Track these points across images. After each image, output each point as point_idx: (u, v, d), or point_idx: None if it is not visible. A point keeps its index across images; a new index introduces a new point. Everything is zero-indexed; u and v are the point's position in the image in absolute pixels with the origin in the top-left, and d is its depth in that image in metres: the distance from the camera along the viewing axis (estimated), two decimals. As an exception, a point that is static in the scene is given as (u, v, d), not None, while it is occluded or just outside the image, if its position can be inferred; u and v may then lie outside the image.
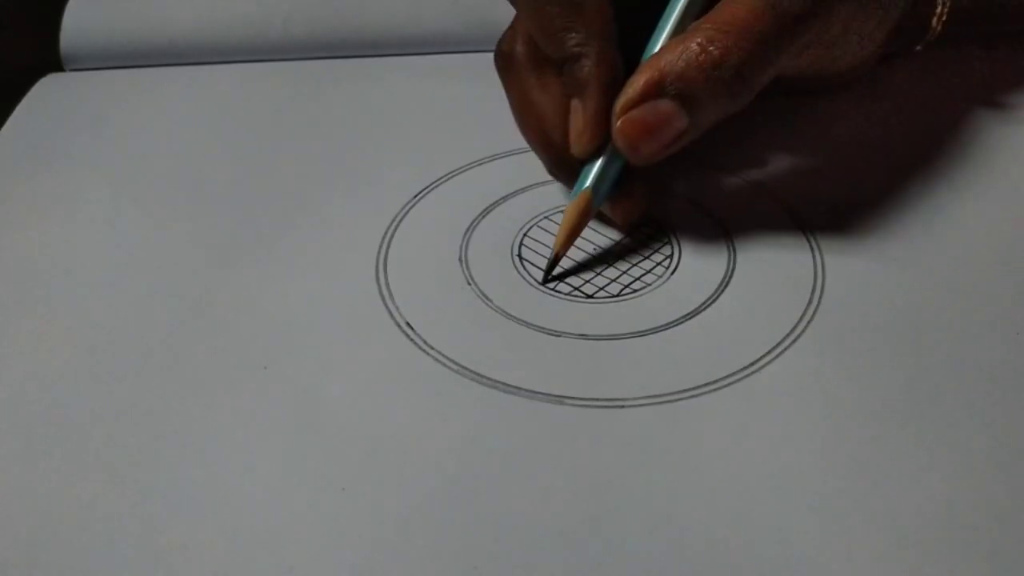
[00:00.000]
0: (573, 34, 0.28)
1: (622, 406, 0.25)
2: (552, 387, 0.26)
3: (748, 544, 0.22)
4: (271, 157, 0.35)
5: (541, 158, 0.32)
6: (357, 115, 0.38)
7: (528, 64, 0.31)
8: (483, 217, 0.32)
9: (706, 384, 0.26)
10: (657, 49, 0.28)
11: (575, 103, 0.29)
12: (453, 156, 0.35)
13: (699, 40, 0.27)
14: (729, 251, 0.31)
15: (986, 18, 0.39)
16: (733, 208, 0.32)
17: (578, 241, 0.31)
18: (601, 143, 0.29)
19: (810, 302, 0.28)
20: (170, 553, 0.22)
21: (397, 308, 0.29)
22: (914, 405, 0.25)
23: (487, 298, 0.29)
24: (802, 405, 0.25)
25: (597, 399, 0.26)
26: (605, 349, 0.27)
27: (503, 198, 0.33)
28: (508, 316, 0.28)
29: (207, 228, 0.32)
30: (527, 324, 0.28)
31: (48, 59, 0.41)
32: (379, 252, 0.31)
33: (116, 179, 0.35)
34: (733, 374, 0.26)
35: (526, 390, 0.26)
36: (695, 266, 0.30)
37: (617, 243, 0.31)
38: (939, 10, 0.35)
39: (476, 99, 0.38)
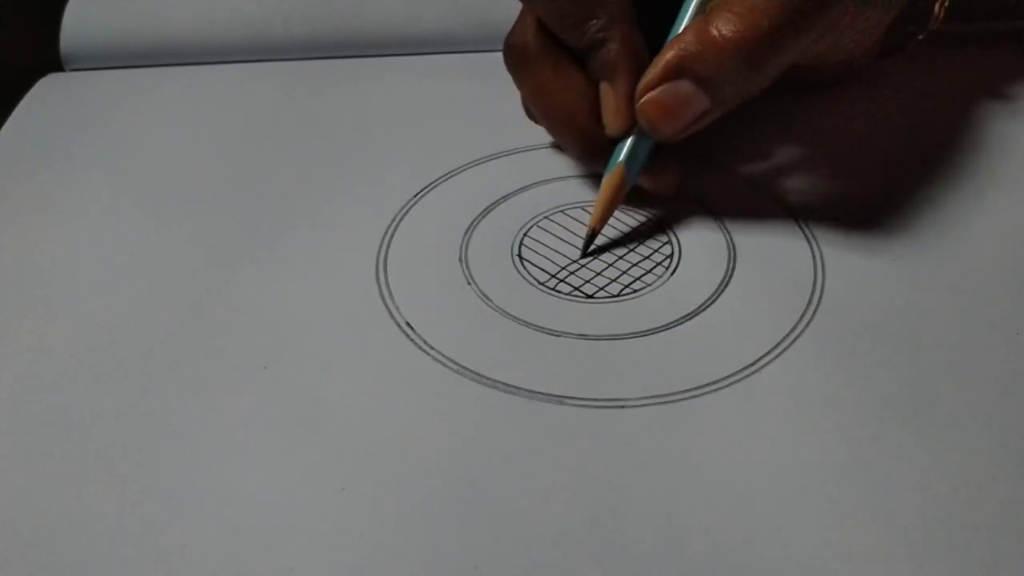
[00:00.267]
0: (594, 21, 0.29)
1: (622, 406, 0.25)
2: (552, 387, 0.26)
3: (748, 544, 0.22)
4: (271, 157, 0.35)
5: (568, 145, 0.32)
6: (357, 115, 0.38)
7: (544, 55, 0.31)
8: (483, 217, 0.32)
9: (706, 384, 0.26)
10: (679, 31, 0.29)
11: (604, 86, 0.30)
12: (453, 156, 0.35)
13: (717, 23, 0.27)
14: (729, 251, 0.31)
15: (987, 11, 0.39)
16: (733, 208, 0.32)
17: (578, 241, 0.31)
18: (634, 121, 0.30)
19: (810, 302, 0.28)
20: (170, 553, 0.22)
21: (397, 308, 0.29)
22: (914, 405, 0.25)
23: (487, 298, 0.29)
24: (802, 405, 0.25)
25: (597, 399, 0.26)
26: (605, 349, 0.27)
27: (503, 198, 0.33)
28: (508, 316, 0.28)
29: (207, 228, 0.32)
30: (527, 324, 0.28)
31: (48, 59, 0.41)
32: (379, 252, 0.31)
33: (116, 179, 0.35)
34: (733, 374, 0.26)
35: (526, 390, 0.26)
36: (695, 266, 0.30)
37: (617, 243, 0.31)
38: None
39: (476, 99, 0.38)
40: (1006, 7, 0.40)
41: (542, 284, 0.30)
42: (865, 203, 0.32)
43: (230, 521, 0.23)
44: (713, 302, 0.29)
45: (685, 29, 0.28)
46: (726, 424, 0.25)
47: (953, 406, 0.25)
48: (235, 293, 0.29)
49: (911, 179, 0.33)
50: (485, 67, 0.40)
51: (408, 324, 0.28)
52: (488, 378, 0.26)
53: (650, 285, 0.29)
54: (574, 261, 0.30)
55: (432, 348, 0.27)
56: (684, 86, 0.28)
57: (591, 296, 0.29)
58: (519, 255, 0.31)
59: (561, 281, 0.30)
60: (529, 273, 0.30)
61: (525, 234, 0.32)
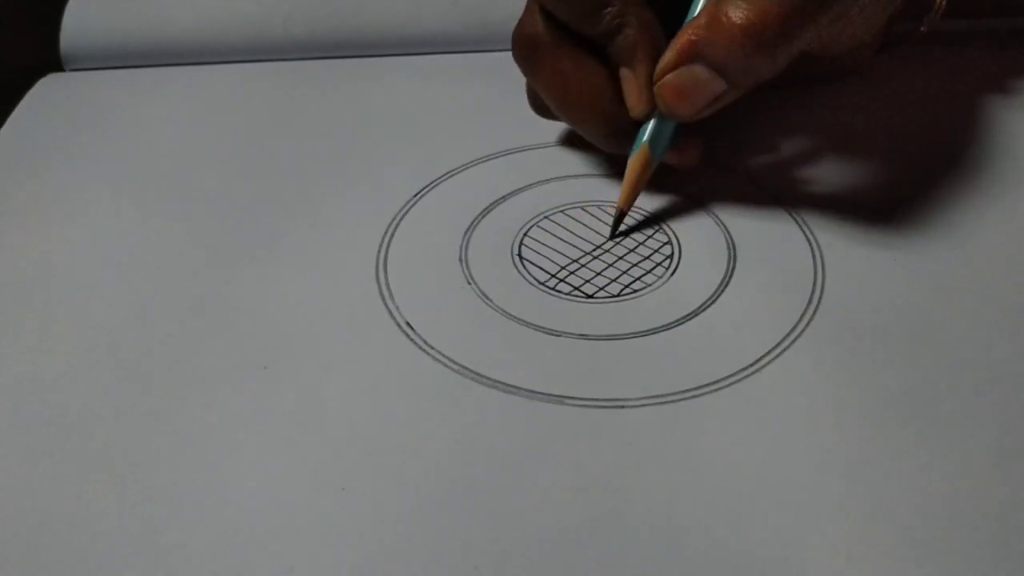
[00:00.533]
0: (609, 9, 0.30)
1: (622, 406, 0.25)
2: (552, 387, 0.26)
3: (748, 544, 0.22)
4: (271, 157, 0.35)
5: (591, 131, 0.32)
6: (357, 115, 0.38)
7: (558, 44, 0.31)
8: (483, 216, 0.32)
9: (706, 384, 0.26)
10: (695, 12, 0.29)
11: (625, 70, 0.30)
12: (453, 156, 0.35)
13: (728, 8, 0.28)
14: (729, 251, 0.31)
15: (988, 8, 0.40)
16: (733, 208, 0.32)
17: (578, 241, 0.31)
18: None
19: (810, 302, 0.28)
20: (170, 553, 0.22)
21: (397, 308, 0.29)
22: (914, 405, 0.25)
23: (487, 298, 0.29)
24: (802, 405, 0.25)
25: (597, 399, 0.26)
26: (605, 349, 0.27)
27: (503, 197, 0.33)
28: (508, 316, 0.28)
29: (207, 228, 0.32)
30: (527, 324, 0.28)
31: (48, 59, 0.41)
32: (379, 252, 0.31)
33: (116, 179, 0.35)
34: (733, 374, 0.26)
35: (526, 390, 0.26)
36: (695, 266, 0.30)
37: (617, 243, 0.31)
38: None
39: (476, 99, 0.38)
40: (1007, 4, 0.41)
41: (542, 284, 0.30)
42: (865, 202, 0.32)
43: (230, 521, 0.23)
44: (713, 302, 0.29)
45: (699, 13, 0.29)
46: (726, 424, 0.25)
47: (953, 406, 0.25)
48: (235, 293, 0.29)
49: (912, 178, 0.33)
50: (485, 67, 0.40)
51: (408, 324, 0.28)
52: (488, 378, 0.26)
53: (650, 285, 0.29)
54: (574, 261, 0.30)
55: (432, 348, 0.27)
56: (698, 70, 0.28)
57: (591, 296, 0.29)
58: (519, 255, 0.31)
59: (561, 281, 0.30)
60: (529, 273, 0.30)
61: (525, 234, 0.32)
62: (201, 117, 0.38)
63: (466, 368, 0.27)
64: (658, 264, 0.30)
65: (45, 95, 0.40)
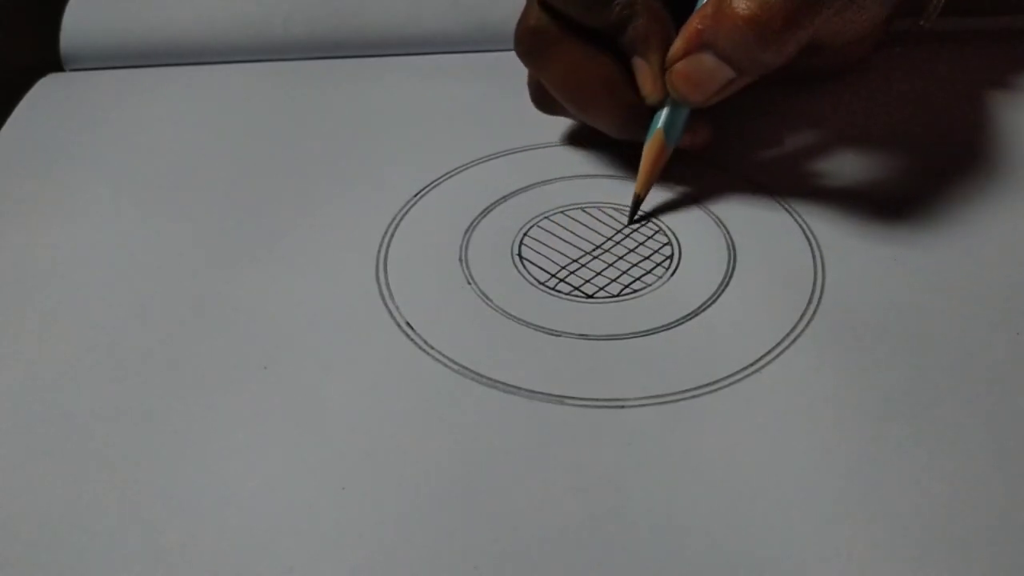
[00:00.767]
0: (617, 0, 0.30)
1: (622, 406, 0.25)
2: (552, 387, 0.26)
3: (748, 544, 0.22)
4: (271, 157, 0.35)
5: (605, 119, 0.32)
6: (357, 115, 0.38)
7: (567, 38, 0.31)
8: (483, 216, 0.32)
9: (706, 384, 0.26)
10: (703, 2, 0.30)
11: (637, 59, 0.31)
12: (453, 156, 0.35)
13: None
14: (729, 251, 0.31)
15: (987, 6, 0.40)
16: (733, 208, 0.32)
17: (579, 241, 0.31)
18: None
19: (810, 302, 0.28)
20: (170, 553, 0.22)
21: (397, 308, 0.29)
22: (914, 405, 0.25)
23: (487, 298, 0.29)
24: (802, 405, 0.25)
25: (597, 399, 0.26)
26: (605, 349, 0.27)
27: (503, 197, 0.33)
28: (508, 316, 0.28)
29: (207, 228, 0.32)
30: (527, 324, 0.28)
31: (48, 59, 0.41)
32: (379, 252, 0.31)
33: (116, 179, 0.35)
34: (733, 374, 0.26)
35: (526, 390, 0.26)
36: (695, 266, 0.30)
37: (617, 243, 0.31)
38: None
39: (476, 99, 0.38)
40: (1007, 3, 0.41)
41: (542, 284, 0.30)
42: (866, 202, 0.32)
43: (230, 521, 0.23)
44: (713, 302, 0.29)
45: (707, 1, 0.29)
46: (726, 424, 0.25)
47: (953, 406, 0.25)
48: (235, 293, 0.29)
49: (912, 177, 0.33)
50: (485, 67, 0.40)
51: (408, 324, 0.28)
52: (488, 378, 0.26)
53: (650, 285, 0.29)
54: (574, 261, 0.30)
55: (432, 348, 0.27)
56: (707, 58, 0.29)
57: (591, 296, 0.29)
58: (519, 255, 0.31)
59: (561, 281, 0.30)
60: (529, 273, 0.30)
61: (525, 234, 0.32)
62: (201, 117, 0.38)
63: (466, 368, 0.27)
64: (658, 264, 0.30)
65: (45, 95, 0.40)
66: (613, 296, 0.29)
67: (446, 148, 0.35)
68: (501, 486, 0.23)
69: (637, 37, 0.30)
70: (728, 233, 0.31)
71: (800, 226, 0.31)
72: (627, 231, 0.31)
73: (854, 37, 0.35)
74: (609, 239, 0.31)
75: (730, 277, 0.30)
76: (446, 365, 0.27)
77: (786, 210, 0.32)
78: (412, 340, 0.28)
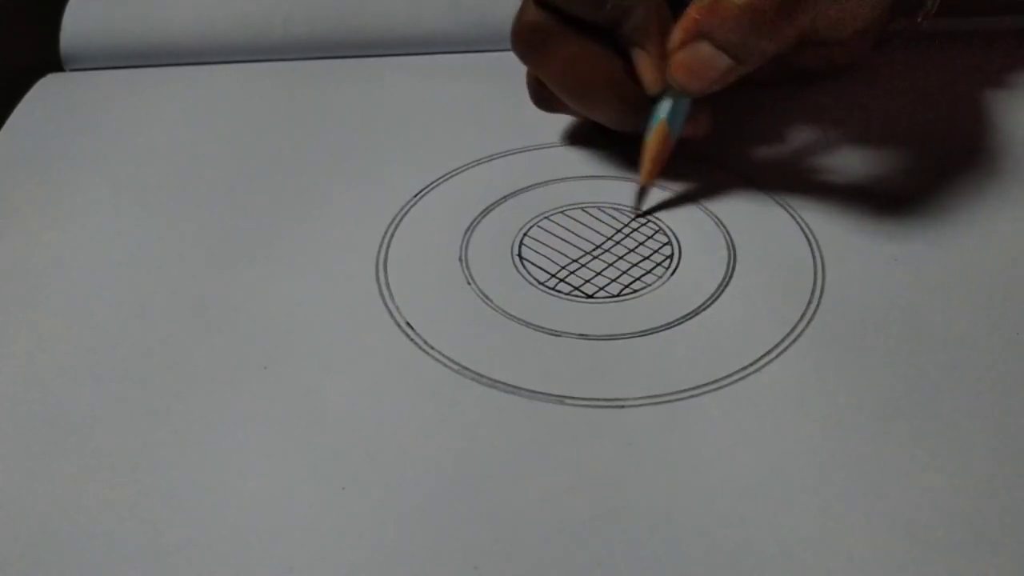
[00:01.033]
0: None
1: (622, 406, 0.25)
2: (552, 387, 0.26)
3: (747, 544, 0.22)
4: (271, 157, 0.35)
5: (605, 112, 0.32)
6: (357, 115, 0.38)
7: (565, 32, 0.31)
8: (483, 216, 0.32)
9: (706, 384, 0.26)
10: None
11: (637, 51, 0.31)
12: (453, 155, 0.35)
13: None
14: (729, 251, 0.31)
15: (985, 6, 0.40)
16: (733, 208, 0.32)
17: (579, 241, 0.31)
18: None
19: (810, 302, 0.28)
20: (170, 553, 0.22)
21: (397, 308, 0.29)
22: (914, 405, 0.25)
23: (487, 298, 0.29)
24: (802, 405, 0.25)
25: (597, 399, 0.26)
26: (605, 349, 0.27)
27: (503, 197, 0.33)
28: (508, 316, 0.28)
29: (207, 228, 0.32)
30: (527, 324, 0.28)
31: (48, 59, 0.41)
32: (379, 252, 0.31)
33: (116, 179, 0.35)
34: (733, 374, 0.26)
35: (526, 390, 0.26)
36: (695, 266, 0.30)
37: (617, 243, 0.31)
38: None
39: (476, 99, 0.38)
40: (1004, 3, 0.41)
41: (542, 284, 0.30)
42: (866, 202, 0.32)
43: (230, 521, 0.23)
44: (713, 302, 0.29)
45: None
46: (726, 424, 0.25)
47: (953, 406, 0.25)
48: (235, 293, 0.29)
49: (912, 176, 0.33)
50: (485, 67, 0.40)
51: (408, 324, 0.28)
52: (488, 378, 0.26)
53: (650, 285, 0.29)
54: (574, 261, 0.30)
55: (432, 348, 0.27)
56: (704, 48, 0.29)
57: (591, 296, 0.29)
58: (519, 255, 0.31)
59: (561, 281, 0.30)
60: (529, 273, 0.30)
61: (525, 234, 0.32)
62: (201, 117, 0.38)
63: (466, 368, 0.27)
64: (658, 264, 0.30)
65: (45, 95, 0.40)
66: (613, 296, 0.29)
67: (446, 148, 0.35)
68: (501, 486, 0.23)
69: (636, 28, 0.30)
70: (728, 233, 0.31)
71: (800, 226, 0.31)
72: (627, 231, 0.31)
73: (853, 31, 0.35)
74: (609, 239, 0.31)
75: (730, 277, 0.30)
76: (446, 365, 0.27)
77: (786, 210, 0.32)
78: (412, 340, 0.28)
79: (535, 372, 0.26)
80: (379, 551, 0.22)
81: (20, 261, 0.31)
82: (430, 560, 0.22)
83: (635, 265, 0.30)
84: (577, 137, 0.36)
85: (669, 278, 0.30)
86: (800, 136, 0.35)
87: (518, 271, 0.30)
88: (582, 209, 0.32)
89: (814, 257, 0.30)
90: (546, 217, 0.32)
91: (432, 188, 0.34)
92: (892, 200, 0.32)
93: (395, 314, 0.28)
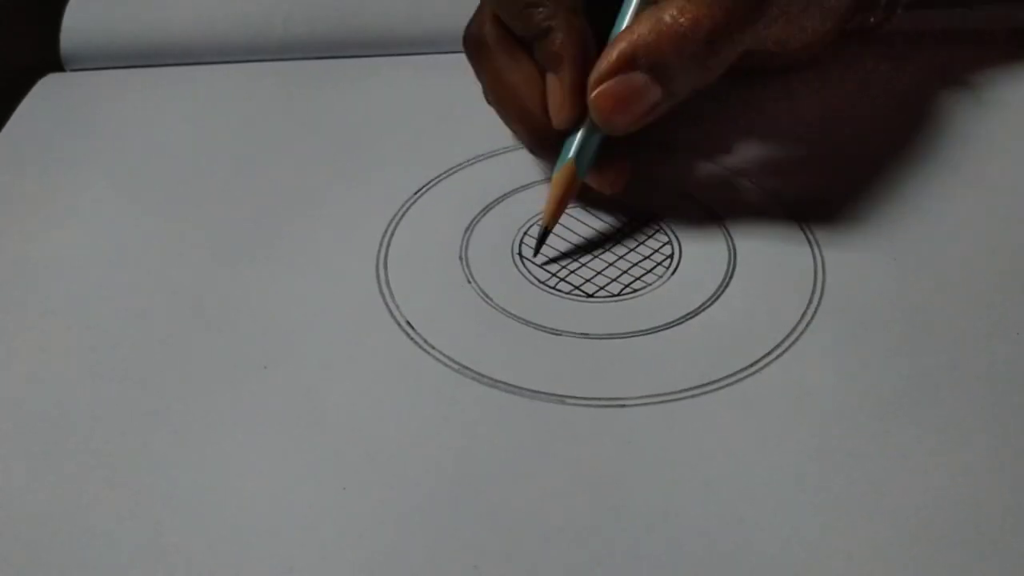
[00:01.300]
0: (540, 9, 0.29)
1: (623, 405, 0.25)
2: (553, 386, 0.26)
3: (747, 544, 0.22)
4: (271, 157, 0.35)
5: (521, 136, 0.32)
6: (357, 115, 0.38)
7: (498, 44, 0.31)
8: (484, 215, 0.32)
9: (706, 384, 0.26)
10: (628, 20, 0.29)
11: (551, 77, 0.29)
12: (452, 154, 0.35)
13: (670, 11, 0.27)
14: (729, 251, 0.30)
15: None
16: (733, 208, 0.32)
17: (579, 240, 0.31)
18: (581, 113, 0.29)
19: (810, 302, 0.28)
20: (170, 553, 0.22)
21: (397, 307, 0.29)
22: (914, 405, 0.25)
23: (488, 297, 0.29)
24: (802, 405, 0.25)
25: (598, 398, 0.26)
26: (606, 349, 0.27)
27: (503, 196, 0.33)
28: (509, 315, 0.28)
29: (207, 228, 0.32)
30: (528, 323, 0.28)
31: (48, 59, 0.41)
32: (379, 250, 0.31)
33: (116, 179, 0.35)
34: (733, 374, 0.26)
35: (527, 389, 0.26)
36: (695, 266, 0.30)
37: (618, 243, 0.31)
38: None
39: (476, 98, 0.38)
40: None
41: (542, 283, 0.30)
42: (866, 202, 0.32)
43: (230, 521, 0.23)
44: (713, 302, 0.29)
45: (638, 19, 0.28)
46: (726, 424, 0.25)
47: (953, 405, 0.25)
48: (235, 293, 0.29)
49: (912, 177, 0.33)
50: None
51: (408, 323, 0.28)
52: (489, 377, 0.26)
53: (650, 285, 0.29)
54: (574, 260, 0.30)
55: (432, 347, 0.27)
56: (637, 77, 0.28)
57: (591, 296, 0.29)
58: (519, 254, 0.31)
59: (561, 280, 0.30)
60: (530, 272, 0.30)
61: (525, 233, 0.32)
62: (201, 117, 0.38)
63: (466, 368, 0.27)
64: (658, 264, 0.30)
65: (45, 95, 0.40)
66: (613, 296, 0.29)
67: (445, 147, 0.35)
68: (501, 486, 0.23)
69: (552, 51, 0.29)
70: (728, 233, 0.31)
71: (800, 226, 0.31)
72: (627, 230, 0.31)
73: (809, 40, 0.34)
74: (609, 239, 0.31)
75: (730, 277, 0.30)
76: (446, 364, 0.27)
77: (786, 210, 0.32)
78: (412, 339, 0.28)
79: (535, 371, 0.26)
80: (379, 551, 0.22)
81: (20, 261, 0.31)
82: (430, 560, 0.22)
83: (635, 265, 0.30)
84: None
85: (669, 278, 0.30)
86: (801, 136, 0.35)
87: (518, 270, 0.30)
88: (582, 208, 0.32)
89: (814, 257, 0.30)
90: (546, 217, 0.32)
91: (432, 186, 0.34)
92: (892, 200, 0.32)
93: (395, 313, 0.28)
